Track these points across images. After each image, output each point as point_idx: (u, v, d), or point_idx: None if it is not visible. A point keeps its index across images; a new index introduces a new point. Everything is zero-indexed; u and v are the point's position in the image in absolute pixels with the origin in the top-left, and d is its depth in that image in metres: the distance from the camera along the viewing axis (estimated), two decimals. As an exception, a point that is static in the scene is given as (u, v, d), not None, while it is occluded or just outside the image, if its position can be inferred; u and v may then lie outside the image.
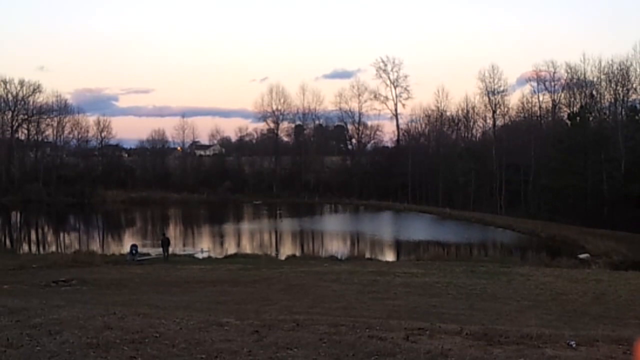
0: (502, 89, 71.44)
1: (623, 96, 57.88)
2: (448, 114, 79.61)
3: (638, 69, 56.53)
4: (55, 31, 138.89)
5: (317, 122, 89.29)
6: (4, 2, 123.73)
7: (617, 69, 57.34)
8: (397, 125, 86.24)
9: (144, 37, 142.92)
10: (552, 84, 67.35)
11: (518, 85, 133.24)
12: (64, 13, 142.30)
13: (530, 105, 70.67)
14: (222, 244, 40.53)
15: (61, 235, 48.64)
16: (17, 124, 79.93)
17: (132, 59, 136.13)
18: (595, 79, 60.00)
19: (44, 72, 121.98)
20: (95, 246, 37.92)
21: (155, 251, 31.42)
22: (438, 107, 79.63)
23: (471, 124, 78.12)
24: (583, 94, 60.50)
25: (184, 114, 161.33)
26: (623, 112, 57.69)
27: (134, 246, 29.71)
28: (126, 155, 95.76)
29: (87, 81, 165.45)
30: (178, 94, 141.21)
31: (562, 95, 65.84)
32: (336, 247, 38.78)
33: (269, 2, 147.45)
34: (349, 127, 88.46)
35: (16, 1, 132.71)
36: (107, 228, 55.45)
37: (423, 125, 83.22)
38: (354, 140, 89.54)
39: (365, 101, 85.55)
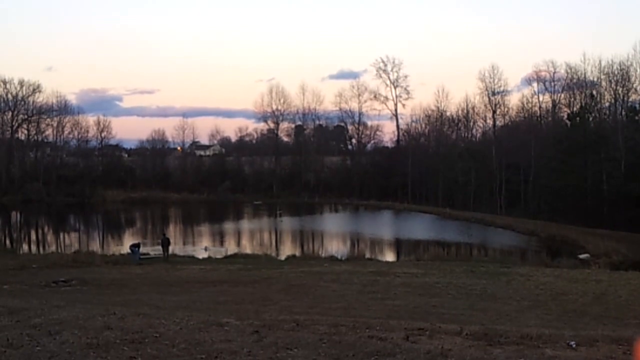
0: (502, 89, 71.69)
1: (623, 96, 57.95)
2: (448, 114, 79.88)
3: (638, 69, 56.70)
4: (63, 32, 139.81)
5: (317, 122, 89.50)
6: (12, 4, 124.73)
7: (617, 69, 57.49)
8: (397, 126, 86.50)
9: (151, 38, 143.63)
10: (552, 84, 67.56)
11: (523, 85, 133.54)
12: (72, 14, 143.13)
13: (530, 105, 70.94)
14: (222, 243, 40.54)
15: (61, 235, 48.59)
16: (17, 124, 79.94)
17: (138, 60, 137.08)
18: (595, 79, 60.16)
19: (52, 73, 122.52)
20: (95, 246, 37.88)
21: (155, 251, 31.39)
22: (438, 107, 79.89)
23: (471, 124, 78.24)
24: (583, 94, 60.51)
25: (188, 114, 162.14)
26: (623, 112, 57.71)
27: (134, 245, 29.42)
28: (126, 155, 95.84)
29: (93, 82, 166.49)
30: (182, 94, 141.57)
31: (562, 95, 65.99)
32: (336, 247, 38.78)
33: (276, 2, 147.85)
34: (349, 127, 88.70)
35: (24, 3, 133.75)
36: (107, 228, 55.45)
37: (423, 126, 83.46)
38: (354, 140, 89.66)
39: (365, 101, 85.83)
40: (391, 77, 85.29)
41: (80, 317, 8.00)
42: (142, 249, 30.31)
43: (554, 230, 42.91)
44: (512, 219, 52.01)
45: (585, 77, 60.63)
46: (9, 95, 78.09)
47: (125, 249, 31.39)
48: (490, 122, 73.31)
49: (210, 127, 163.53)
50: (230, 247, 37.32)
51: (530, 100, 70.46)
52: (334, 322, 7.72)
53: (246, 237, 46.05)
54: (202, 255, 32.60)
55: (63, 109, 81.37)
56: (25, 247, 41.55)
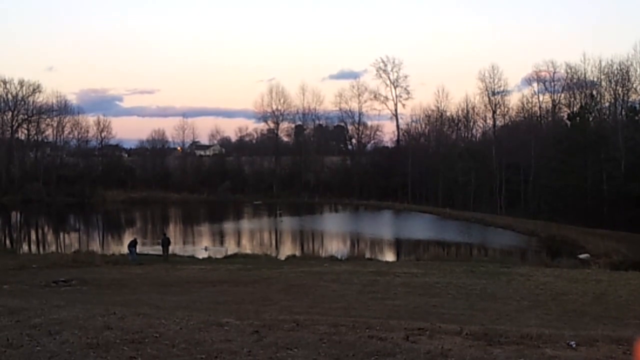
0: (502, 89, 71.75)
1: (623, 96, 57.98)
2: (448, 114, 79.93)
3: (638, 69, 56.73)
4: (63, 32, 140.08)
5: (317, 122, 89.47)
6: (12, 4, 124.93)
7: (617, 69, 57.54)
8: (397, 126, 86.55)
9: (151, 38, 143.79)
10: (552, 84, 67.60)
11: (523, 85, 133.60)
12: (72, 14, 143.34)
13: (530, 105, 70.99)
14: (222, 243, 40.54)
15: (61, 235, 48.58)
16: (17, 124, 79.92)
17: (138, 60, 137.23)
18: (595, 79, 60.20)
19: (52, 73, 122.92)
20: (95, 246, 37.85)
21: (155, 251, 31.36)
22: (438, 107, 79.95)
23: (471, 124, 78.27)
24: (583, 94, 60.54)
25: (188, 114, 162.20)
26: (623, 112, 57.71)
27: (132, 244, 28.83)
28: (126, 155, 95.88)
29: (93, 82, 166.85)
30: (182, 94, 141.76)
31: (562, 95, 66.00)
32: (336, 247, 38.80)
33: (276, 2, 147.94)
34: (349, 127, 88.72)
35: (24, 3, 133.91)
36: (107, 228, 55.44)
37: (423, 125, 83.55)
38: (354, 140, 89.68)
39: (365, 101, 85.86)
40: (391, 77, 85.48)
41: (80, 317, 8.00)
42: (142, 249, 30.25)
43: (554, 230, 42.89)
44: (512, 219, 52.01)
45: (585, 77, 60.81)
46: (9, 95, 78.23)
47: (125, 249, 31.33)
48: (490, 122, 73.49)
49: (210, 127, 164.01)
50: (230, 247, 37.33)
51: (530, 100, 70.65)
52: (334, 322, 7.72)
53: (246, 237, 46.05)
54: (202, 255, 32.61)
55: (63, 109, 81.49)
56: (25, 247, 41.52)
